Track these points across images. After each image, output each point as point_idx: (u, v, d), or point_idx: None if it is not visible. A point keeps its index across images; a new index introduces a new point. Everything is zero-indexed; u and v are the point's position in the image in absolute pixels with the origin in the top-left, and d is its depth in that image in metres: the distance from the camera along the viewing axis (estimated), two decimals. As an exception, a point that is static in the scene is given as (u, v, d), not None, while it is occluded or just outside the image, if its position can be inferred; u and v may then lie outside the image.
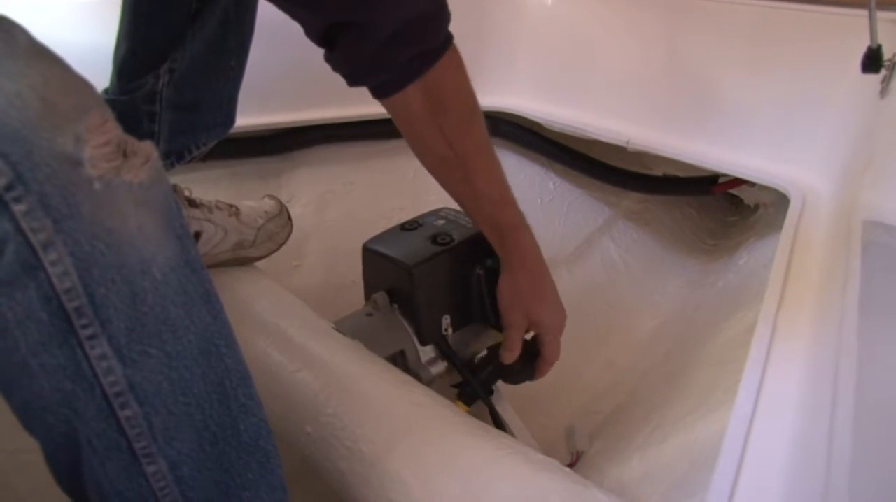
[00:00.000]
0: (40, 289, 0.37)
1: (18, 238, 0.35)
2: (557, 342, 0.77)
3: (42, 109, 0.35)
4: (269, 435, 0.49)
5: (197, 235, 0.82)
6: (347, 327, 0.76)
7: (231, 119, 0.89)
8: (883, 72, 0.80)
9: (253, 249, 0.89)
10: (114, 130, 0.38)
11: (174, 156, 0.82)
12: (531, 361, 0.78)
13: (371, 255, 0.80)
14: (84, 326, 0.38)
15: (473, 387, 0.78)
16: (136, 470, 0.43)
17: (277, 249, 0.93)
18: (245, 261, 0.90)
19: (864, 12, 0.77)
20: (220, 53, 0.80)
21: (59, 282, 0.37)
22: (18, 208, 0.35)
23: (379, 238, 0.82)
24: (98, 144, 0.37)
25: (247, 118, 1.12)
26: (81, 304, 0.38)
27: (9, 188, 0.34)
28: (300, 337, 0.73)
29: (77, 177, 0.36)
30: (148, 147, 0.40)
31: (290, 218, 0.94)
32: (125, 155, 0.38)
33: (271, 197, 0.95)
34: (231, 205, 0.88)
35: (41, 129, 0.35)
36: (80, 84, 0.38)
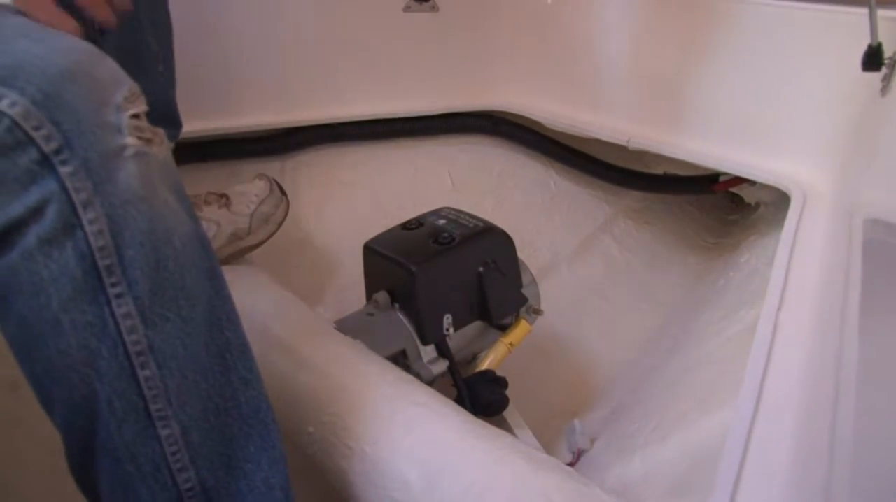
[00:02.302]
0: (77, 247, 0.40)
1: (62, 197, 0.39)
2: None
3: (90, 83, 0.40)
4: (268, 409, 0.51)
5: None
6: (349, 327, 0.76)
7: (176, 122, 0.88)
8: (883, 70, 0.80)
9: (251, 237, 0.88)
10: (143, 104, 0.43)
11: None
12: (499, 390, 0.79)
13: (372, 255, 0.80)
14: (113, 284, 0.41)
15: (461, 391, 0.78)
16: (151, 432, 0.45)
17: (277, 230, 0.91)
18: (248, 251, 0.89)
19: (865, 10, 0.77)
20: (144, 60, 0.80)
21: (95, 240, 0.40)
22: (64, 170, 0.39)
23: (380, 237, 0.82)
24: (134, 114, 0.42)
25: (247, 118, 1.12)
26: (112, 263, 0.41)
27: (57, 152, 0.39)
28: (301, 336, 0.73)
29: (116, 146, 0.41)
30: (161, 130, 0.45)
31: (283, 193, 0.92)
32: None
33: (261, 177, 0.93)
34: (221, 196, 0.87)
35: (90, 101, 0.40)
36: (110, 61, 0.43)
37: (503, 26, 1.26)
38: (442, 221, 0.83)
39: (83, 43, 0.42)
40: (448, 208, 0.87)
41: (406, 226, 0.83)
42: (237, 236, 0.86)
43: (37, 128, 0.38)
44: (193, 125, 0.97)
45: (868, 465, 0.51)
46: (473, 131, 1.33)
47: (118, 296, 0.41)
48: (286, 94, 1.13)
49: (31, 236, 0.39)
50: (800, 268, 0.73)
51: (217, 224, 0.84)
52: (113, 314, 0.42)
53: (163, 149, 0.44)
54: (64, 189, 0.39)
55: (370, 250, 0.81)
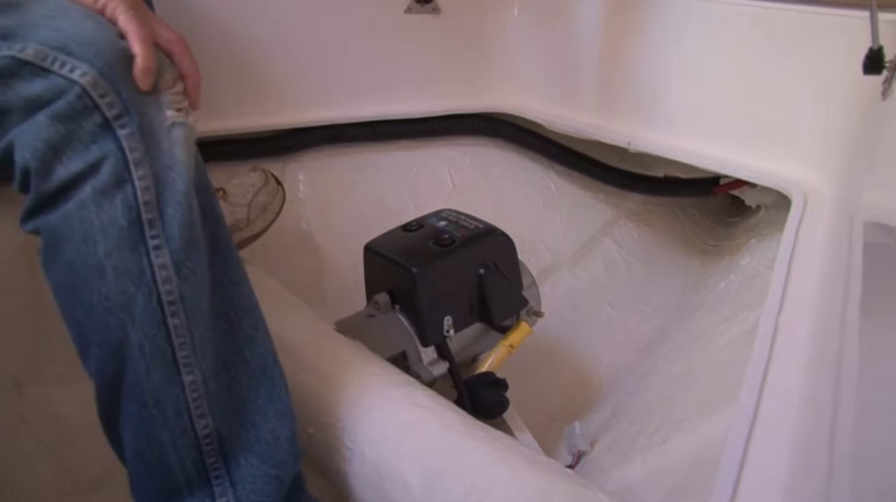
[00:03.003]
0: (125, 200, 0.45)
1: (119, 155, 0.45)
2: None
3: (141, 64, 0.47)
4: (275, 365, 0.55)
5: None
6: (349, 328, 0.76)
7: None
8: (884, 73, 0.80)
9: (250, 227, 0.89)
10: (181, 86, 0.51)
11: None
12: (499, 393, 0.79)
13: (373, 256, 0.80)
14: (153, 236, 0.46)
15: (461, 393, 0.78)
16: (176, 378, 0.48)
17: (275, 219, 0.93)
18: (248, 243, 0.90)
19: (866, 13, 0.77)
20: None
21: (142, 195, 0.46)
22: (123, 132, 0.45)
23: (381, 239, 0.82)
24: (175, 92, 0.49)
25: (247, 119, 1.12)
26: (154, 217, 0.46)
27: (118, 117, 0.45)
28: (301, 338, 0.73)
29: (163, 117, 0.48)
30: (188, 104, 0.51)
31: (279, 183, 0.94)
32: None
33: (254, 169, 0.95)
34: (218, 190, 0.88)
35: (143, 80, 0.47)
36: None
37: (505, 28, 1.26)
38: (443, 223, 0.83)
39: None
40: (449, 210, 0.87)
41: (407, 227, 0.83)
42: (237, 227, 0.87)
43: (102, 96, 0.44)
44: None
45: (868, 468, 0.51)
46: (474, 133, 1.33)
47: (157, 247, 0.46)
48: (287, 96, 1.13)
49: (88, 188, 0.45)
50: (800, 271, 0.73)
51: None
52: (151, 264, 0.46)
53: (192, 115, 0.51)
54: (121, 148, 0.45)
55: (371, 251, 0.81)
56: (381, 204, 1.24)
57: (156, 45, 0.49)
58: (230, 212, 0.87)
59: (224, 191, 0.88)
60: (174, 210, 0.47)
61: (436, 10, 1.19)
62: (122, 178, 0.45)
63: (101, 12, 0.49)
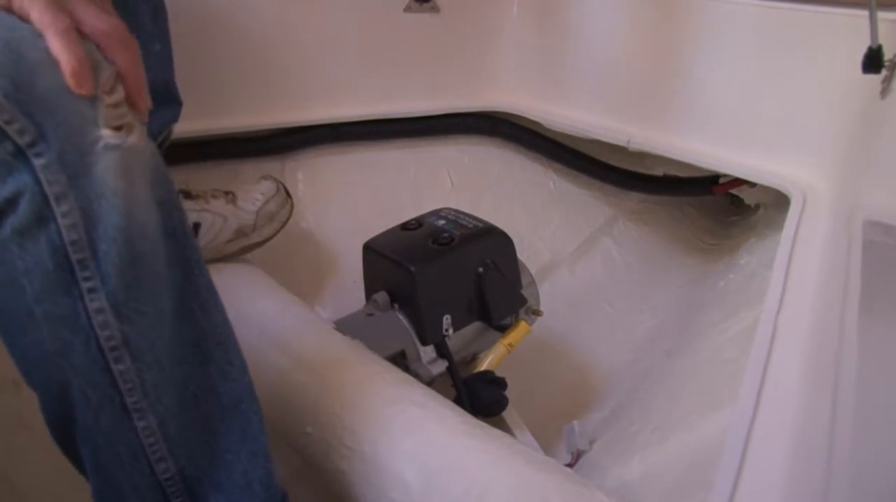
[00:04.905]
0: (50, 240, 0.39)
1: (36, 189, 0.38)
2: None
3: (62, 75, 0.38)
4: (251, 401, 0.50)
5: (196, 227, 0.83)
6: (348, 327, 0.76)
7: (177, 100, 0.88)
8: (883, 72, 0.80)
9: (255, 234, 0.89)
10: (122, 90, 0.41)
11: None
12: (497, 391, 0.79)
13: (372, 255, 0.80)
14: (86, 278, 0.41)
15: (460, 391, 0.78)
16: (127, 424, 0.45)
17: (281, 228, 0.93)
18: (251, 249, 0.90)
19: (865, 12, 0.77)
20: (140, 40, 0.80)
21: (68, 234, 0.40)
22: (38, 162, 0.38)
23: (379, 238, 0.82)
24: (111, 104, 0.40)
25: (247, 118, 1.12)
26: (85, 257, 0.40)
27: (32, 145, 0.38)
28: (300, 337, 0.73)
29: (92, 138, 0.39)
30: (143, 112, 0.44)
31: (289, 195, 0.94)
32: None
33: (267, 177, 0.95)
34: (228, 192, 0.88)
35: (63, 93, 0.38)
36: (88, 47, 0.40)
37: (504, 27, 1.26)
38: (442, 222, 0.83)
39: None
40: (448, 209, 0.87)
41: (406, 226, 0.83)
42: (242, 232, 0.87)
43: (9, 122, 0.37)
44: (194, 124, 0.97)
45: (867, 467, 0.51)
46: (473, 132, 1.33)
47: (91, 290, 0.41)
48: (287, 94, 1.13)
49: (7, 228, 0.39)
50: (799, 270, 0.73)
51: (223, 218, 0.85)
52: (86, 308, 0.41)
53: (142, 136, 0.42)
54: (37, 181, 0.38)
55: (370, 250, 0.81)
56: (380, 202, 1.24)
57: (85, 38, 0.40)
58: (237, 216, 0.87)
59: (234, 195, 0.89)
60: (108, 247, 0.41)
61: (435, 9, 1.19)
62: (42, 216, 0.39)
63: (9, 9, 0.39)
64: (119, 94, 0.41)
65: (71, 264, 0.40)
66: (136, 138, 0.41)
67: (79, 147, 0.39)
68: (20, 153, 0.38)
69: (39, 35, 0.38)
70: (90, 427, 0.44)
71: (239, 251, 0.89)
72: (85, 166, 0.39)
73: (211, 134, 1.08)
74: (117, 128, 0.40)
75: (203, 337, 0.48)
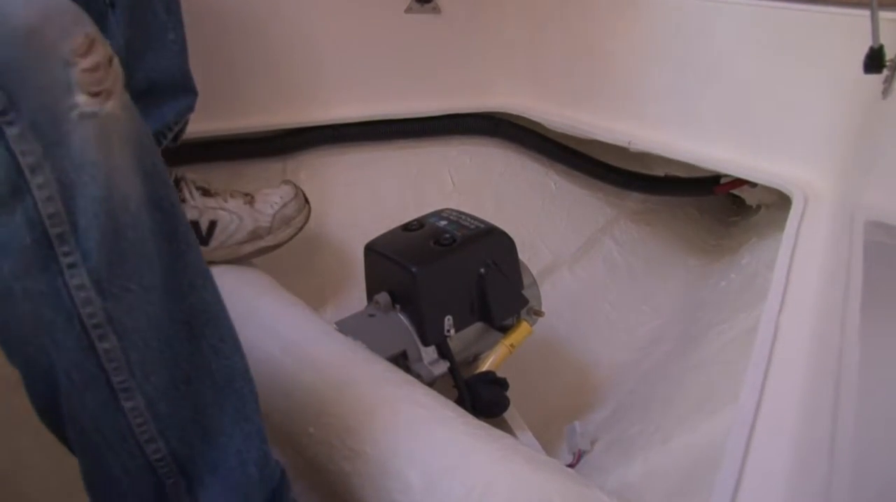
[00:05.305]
0: (26, 213, 0.38)
1: (8, 159, 0.36)
2: None
3: (30, 37, 0.36)
4: (245, 380, 0.49)
5: (212, 225, 0.83)
6: (349, 327, 0.76)
7: (192, 90, 0.88)
8: (885, 72, 0.80)
9: (270, 237, 0.89)
10: (101, 51, 0.38)
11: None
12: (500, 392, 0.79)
13: (373, 256, 0.81)
14: (66, 254, 0.39)
15: (461, 392, 0.78)
16: (114, 404, 0.43)
17: (297, 233, 0.93)
18: (265, 252, 0.90)
19: (866, 12, 0.77)
20: (154, 31, 0.79)
21: (45, 207, 0.38)
22: (10, 132, 0.36)
23: (381, 239, 0.82)
24: (86, 68, 0.37)
25: (249, 119, 1.12)
26: (64, 232, 0.38)
27: (2, 113, 0.35)
28: (302, 337, 0.73)
29: (67, 105, 0.37)
30: (119, 75, 0.40)
31: (307, 201, 0.94)
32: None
33: (286, 182, 0.95)
34: (246, 194, 0.89)
35: (32, 57, 0.36)
36: (62, 5, 0.38)
37: (505, 28, 1.26)
38: (443, 222, 0.83)
39: None
40: (449, 209, 0.87)
41: (407, 227, 0.83)
42: (257, 234, 0.87)
43: None
44: (197, 125, 0.97)
45: (869, 468, 0.51)
46: (475, 133, 1.33)
47: (71, 265, 0.39)
48: (288, 95, 1.13)
49: None
50: (801, 271, 0.73)
51: (240, 218, 0.86)
52: (66, 285, 0.39)
53: (122, 102, 0.40)
54: (10, 151, 0.36)
55: (371, 251, 0.81)
56: (382, 203, 1.24)
57: None
58: (254, 217, 0.87)
59: (252, 197, 0.89)
60: (88, 221, 0.39)
61: (436, 10, 1.19)
62: (17, 188, 0.37)
63: None
64: (95, 58, 0.38)
65: (49, 239, 0.38)
66: (115, 105, 0.39)
67: (53, 114, 0.37)
68: None
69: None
70: (76, 407, 0.43)
71: (252, 253, 0.89)
72: (60, 135, 0.37)
73: (213, 135, 1.08)
74: (94, 94, 0.38)
75: (193, 313, 0.46)
